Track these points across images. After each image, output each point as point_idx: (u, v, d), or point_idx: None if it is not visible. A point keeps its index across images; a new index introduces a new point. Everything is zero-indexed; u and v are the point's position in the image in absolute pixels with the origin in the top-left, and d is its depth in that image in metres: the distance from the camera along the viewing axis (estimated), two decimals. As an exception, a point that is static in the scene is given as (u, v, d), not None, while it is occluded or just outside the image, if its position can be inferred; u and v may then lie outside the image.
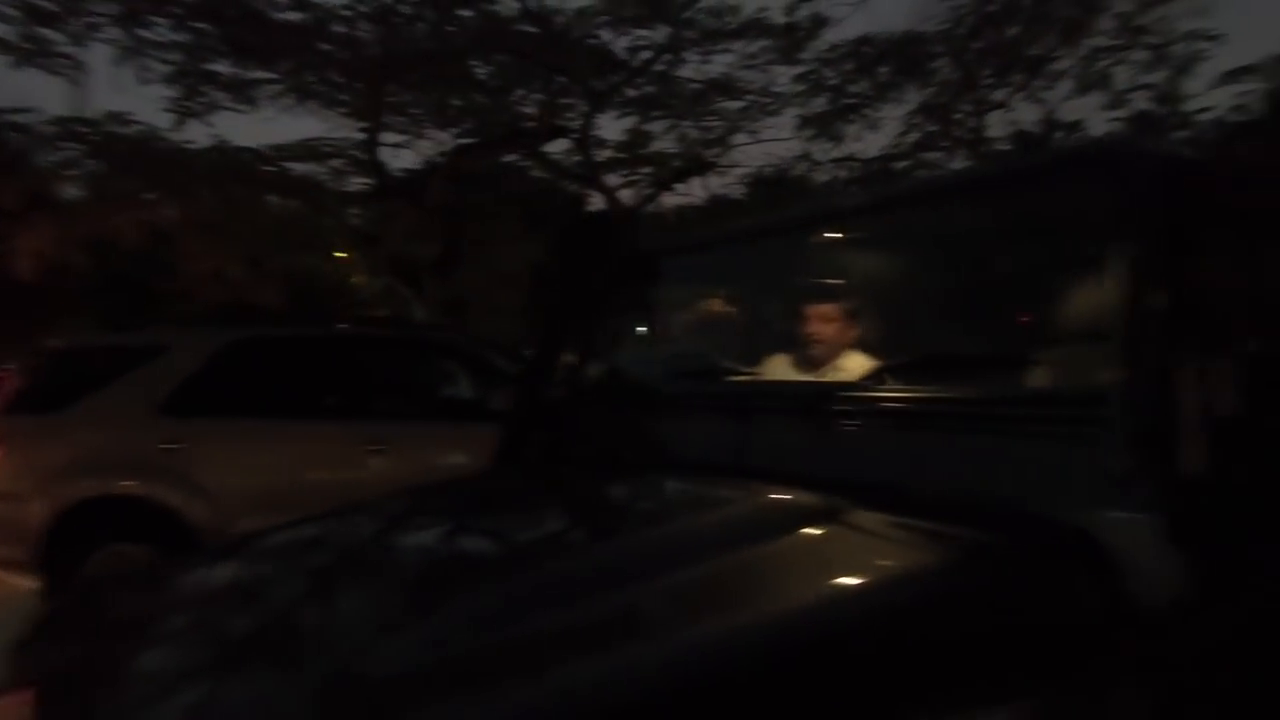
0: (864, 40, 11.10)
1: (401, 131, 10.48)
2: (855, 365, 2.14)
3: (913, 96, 11.20)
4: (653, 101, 10.30)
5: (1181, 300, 1.47)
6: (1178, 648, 1.40)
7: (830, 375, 2.20)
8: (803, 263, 2.31)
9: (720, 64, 10.29)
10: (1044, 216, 1.74)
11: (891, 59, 11.02)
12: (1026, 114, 10.21)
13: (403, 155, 11.43)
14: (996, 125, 10.42)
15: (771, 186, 12.75)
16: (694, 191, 13.00)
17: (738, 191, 13.24)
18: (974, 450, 1.59)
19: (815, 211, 2.45)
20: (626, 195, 13.01)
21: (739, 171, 12.91)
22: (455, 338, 5.69)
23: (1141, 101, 8.57)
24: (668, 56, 9.36)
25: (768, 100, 11.04)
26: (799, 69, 11.43)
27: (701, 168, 12.64)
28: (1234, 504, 1.47)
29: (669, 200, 13.03)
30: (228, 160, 10.48)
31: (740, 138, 12.40)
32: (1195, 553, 1.40)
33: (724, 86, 10.53)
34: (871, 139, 11.69)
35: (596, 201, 11.26)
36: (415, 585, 1.56)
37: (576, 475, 2.25)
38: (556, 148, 11.66)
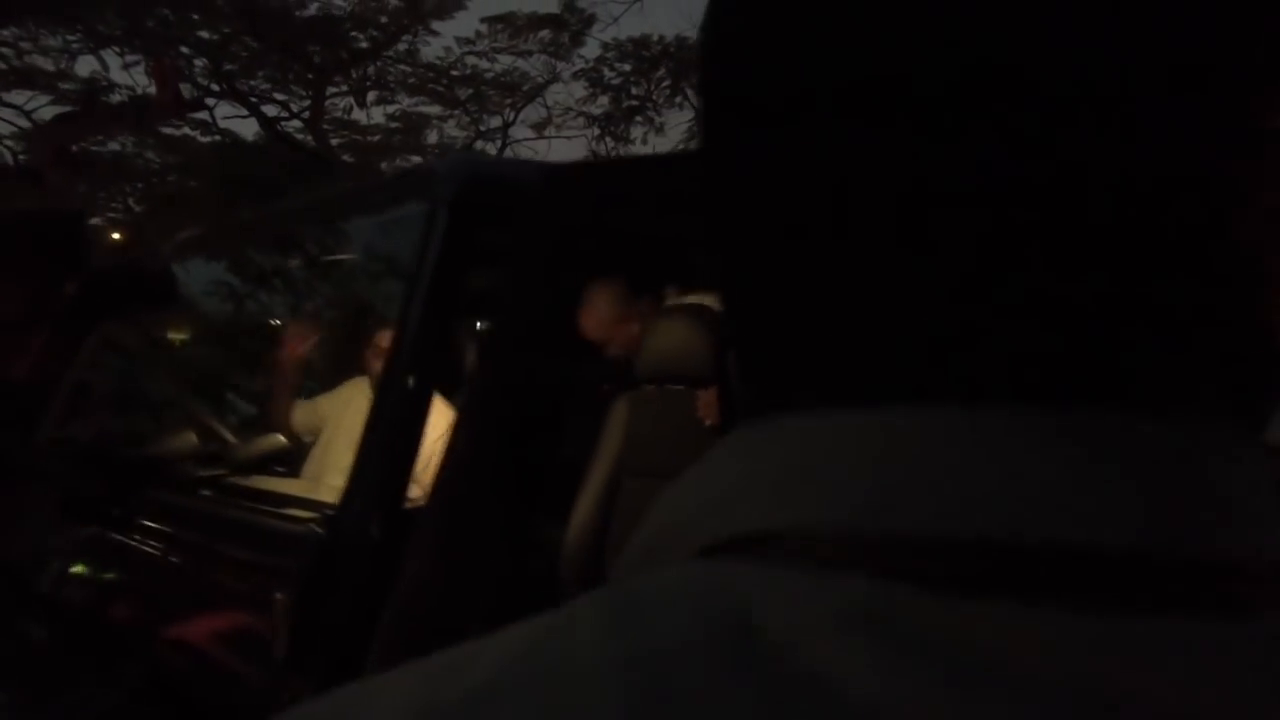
0: (641, 42, 10.83)
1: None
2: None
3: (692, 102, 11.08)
4: (403, 84, 9.47)
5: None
6: None
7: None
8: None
9: (438, 46, 9.40)
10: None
11: (668, 62, 10.80)
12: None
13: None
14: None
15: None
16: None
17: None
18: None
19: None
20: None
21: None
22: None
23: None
24: (374, 33, 8.53)
25: (536, 95, 10.54)
26: (578, 65, 11.05)
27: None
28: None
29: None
30: None
31: (524, 132, 11.87)
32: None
33: (473, 77, 9.91)
34: (659, 142, 11.43)
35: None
36: None
37: None
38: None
